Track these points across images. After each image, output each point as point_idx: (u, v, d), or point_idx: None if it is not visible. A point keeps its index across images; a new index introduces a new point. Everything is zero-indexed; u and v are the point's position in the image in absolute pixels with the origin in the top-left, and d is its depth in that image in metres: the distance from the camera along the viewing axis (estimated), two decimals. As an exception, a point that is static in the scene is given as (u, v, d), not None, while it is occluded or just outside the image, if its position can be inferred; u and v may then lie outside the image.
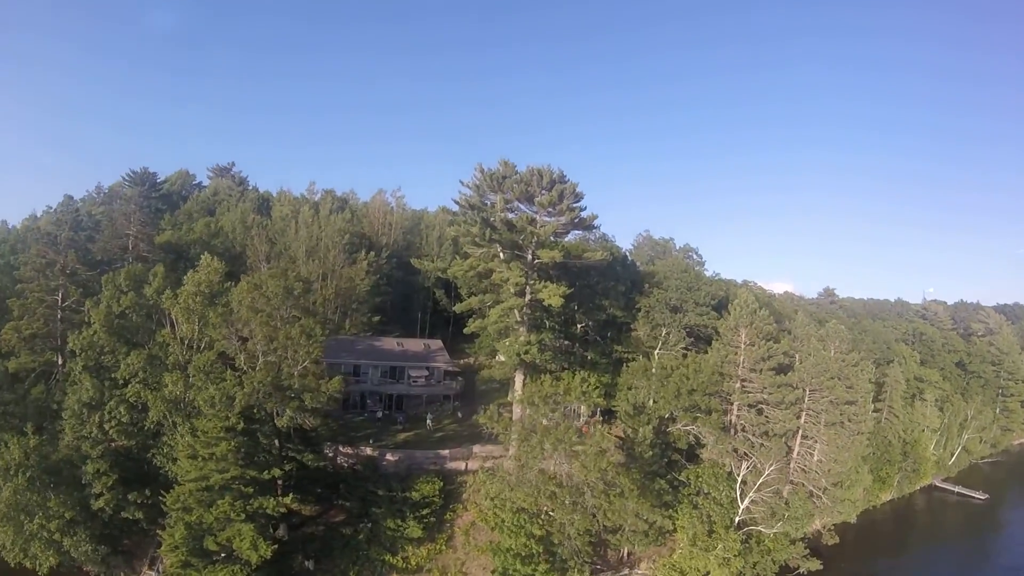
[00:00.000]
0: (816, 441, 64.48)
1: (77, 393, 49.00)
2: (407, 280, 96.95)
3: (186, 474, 41.86)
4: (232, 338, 47.77)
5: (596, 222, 57.10)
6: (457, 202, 56.22)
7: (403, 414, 66.19)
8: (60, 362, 58.13)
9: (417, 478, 51.42)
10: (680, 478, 56.05)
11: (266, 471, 41.67)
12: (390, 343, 75.32)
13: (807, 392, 63.22)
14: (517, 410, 56.61)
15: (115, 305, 52.10)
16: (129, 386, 48.95)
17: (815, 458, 63.82)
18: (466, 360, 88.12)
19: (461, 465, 55.39)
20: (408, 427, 63.25)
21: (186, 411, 47.06)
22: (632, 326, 73.47)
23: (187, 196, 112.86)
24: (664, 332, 69.91)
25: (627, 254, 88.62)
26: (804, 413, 63.23)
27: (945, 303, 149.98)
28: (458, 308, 63.63)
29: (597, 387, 51.15)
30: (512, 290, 55.68)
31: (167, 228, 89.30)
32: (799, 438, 64.86)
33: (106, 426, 47.91)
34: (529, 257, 57.08)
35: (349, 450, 54.85)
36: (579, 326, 77.22)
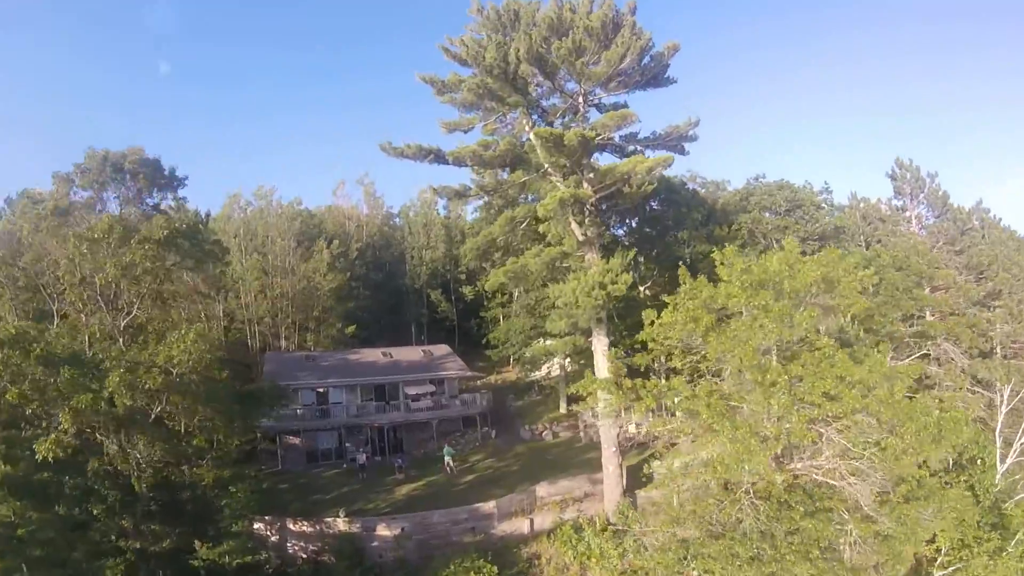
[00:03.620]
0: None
1: None
2: (390, 285, 72.06)
3: None
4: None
5: (672, 63, 32.78)
6: (452, 53, 31.86)
7: (403, 457, 40.28)
8: None
9: (445, 564, 25.45)
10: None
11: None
12: (372, 354, 49.91)
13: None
14: (602, 405, 31.49)
15: None
16: None
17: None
18: (485, 380, 62.32)
19: (522, 525, 29.47)
20: (414, 475, 37.33)
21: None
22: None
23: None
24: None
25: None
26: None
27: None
28: (467, 249, 38.20)
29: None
30: (561, 168, 30.99)
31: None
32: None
33: None
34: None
35: (305, 527, 28.86)
36: (641, 287, 52.37)
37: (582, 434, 45.13)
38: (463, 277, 73.35)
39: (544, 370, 55.87)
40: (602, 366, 30.99)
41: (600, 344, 31.19)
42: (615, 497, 30.69)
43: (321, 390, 43.68)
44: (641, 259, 46.98)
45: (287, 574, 26.29)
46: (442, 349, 52.80)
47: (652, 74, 33.12)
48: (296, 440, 41.80)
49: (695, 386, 19.48)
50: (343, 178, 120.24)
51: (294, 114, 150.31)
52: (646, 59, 32.11)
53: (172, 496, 21.70)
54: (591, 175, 31.78)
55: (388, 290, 71.50)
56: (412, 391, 44.13)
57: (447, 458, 37.98)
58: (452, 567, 24.43)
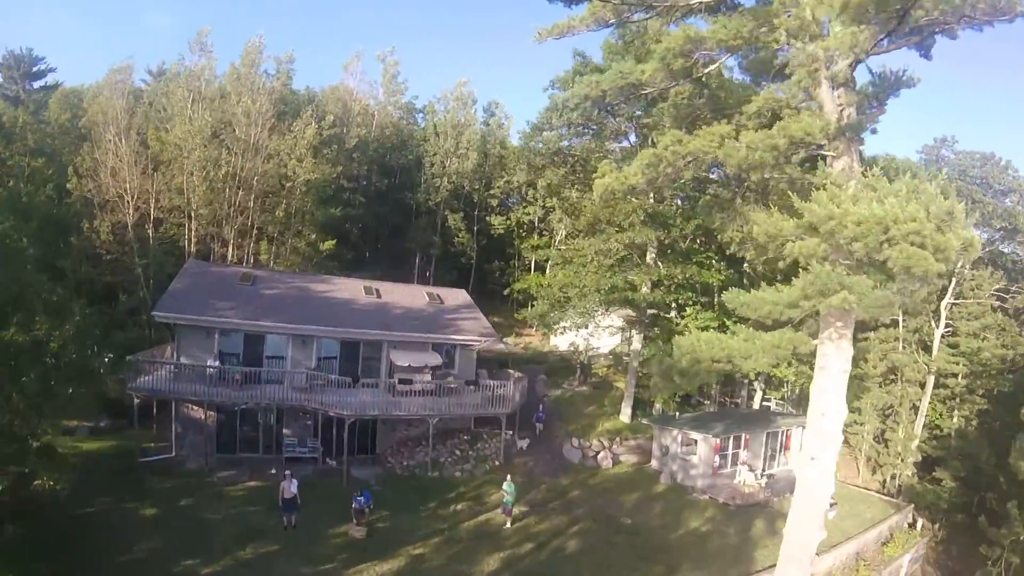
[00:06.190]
0: None
1: None
2: (396, 198, 53.68)
3: None
4: None
5: None
6: None
7: (367, 493, 22.48)
8: None
9: None
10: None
11: None
12: (349, 287, 31.78)
13: None
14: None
15: None
16: None
17: None
18: (499, 351, 44.09)
19: None
20: (381, 528, 19.85)
21: None
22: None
23: None
24: None
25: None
26: None
27: None
28: (577, 91, 17.56)
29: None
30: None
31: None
32: None
33: None
34: None
35: None
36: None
37: (656, 464, 28.27)
38: (494, 203, 55.04)
39: (602, 339, 37.44)
40: (834, 401, 13.01)
41: (838, 359, 13.04)
42: None
43: (255, 332, 25.99)
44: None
45: None
46: (458, 296, 34.74)
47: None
48: (199, 413, 24.48)
49: None
50: (362, 49, 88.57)
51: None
52: None
53: None
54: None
55: (392, 204, 53.22)
56: (403, 361, 26.30)
57: (508, 502, 20.82)
58: None
